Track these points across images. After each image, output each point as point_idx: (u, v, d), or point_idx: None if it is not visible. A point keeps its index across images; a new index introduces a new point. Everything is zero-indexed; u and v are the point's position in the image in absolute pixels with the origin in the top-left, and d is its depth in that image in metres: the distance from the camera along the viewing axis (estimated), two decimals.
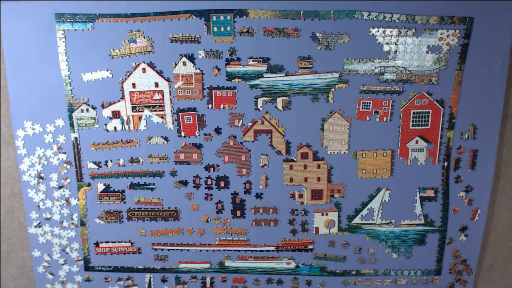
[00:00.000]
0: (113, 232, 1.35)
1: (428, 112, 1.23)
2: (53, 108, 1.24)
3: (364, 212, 1.31)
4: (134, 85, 1.21)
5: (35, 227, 1.34)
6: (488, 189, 1.28)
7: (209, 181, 1.30)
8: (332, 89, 1.20)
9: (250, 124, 1.23)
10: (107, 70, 1.20)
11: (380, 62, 1.19)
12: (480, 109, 1.22)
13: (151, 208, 1.32)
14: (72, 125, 1.25)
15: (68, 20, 1.17)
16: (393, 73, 1.19)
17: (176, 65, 1.20)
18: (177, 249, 1.36)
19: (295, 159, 1.26)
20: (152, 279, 1.39)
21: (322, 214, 1.32)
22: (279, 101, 1.22)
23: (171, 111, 1.23)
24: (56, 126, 1.25)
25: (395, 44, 1.17)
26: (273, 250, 1.36)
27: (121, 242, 1.36)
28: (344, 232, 1.33)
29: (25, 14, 1.16)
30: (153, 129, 1.25)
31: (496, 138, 1.24)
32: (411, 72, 1.19)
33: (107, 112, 1.24)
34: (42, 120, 1.25)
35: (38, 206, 1.32)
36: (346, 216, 1.32)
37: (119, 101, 1.23)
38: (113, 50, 1.19)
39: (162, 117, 1.24)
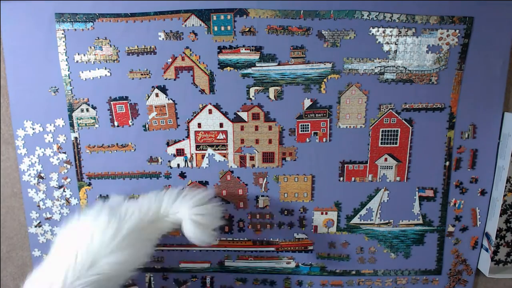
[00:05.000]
0: None
1: (397, 131, 1.23)
2: (53, 108, 1.24)
3: (363, 212, 1.31)
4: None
5: (35, 227, 1.34)
6: (488, 189, 1.28)
7: None
8: (325, 80, 1.20)
9: (170, 60, 1.20)
10: (105, 69, 1.21)
11: (380, 62, 1.19)
12: (480, 109, 1.22)
13: None
14: (72, 125, 1.25)
15: (68, 20, 1.17)
16: (393, 72, 1.19)
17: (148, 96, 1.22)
18: (176, 250, 1.36)
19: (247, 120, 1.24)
20: (152, 278, 1.40)
21: (322, 213, 1.32)
22: (271, 90, 1.22)
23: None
24: (56, 126, 1.26)
25: (395, 44, 1.17)
26: (273, 251, 1.36)
27: None
28: (342, 232, 1.33)
29: (25, 14, 1.16)
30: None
31: (496, 138, 1.24)
32: (411, 72, 1.19)
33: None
34: (42, 120, 1.25)
35: (38, 206, 1.32)
36: (345, 216, 1.32)
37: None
38: (78, 54, 1.19)
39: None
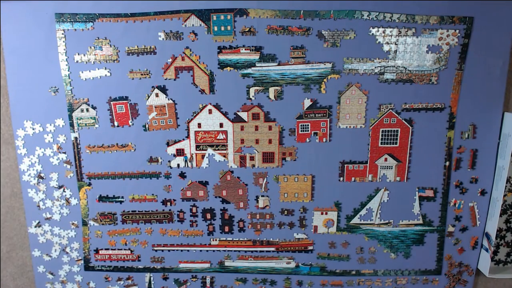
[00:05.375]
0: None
1: (397, 131, 1.23)
2: (53, 108, 1.24)
3: (363, 212, 1.31)
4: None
5: (35, 227, 1.34)
6: (488, 189, 1.28)
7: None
8: (325, 80, 1.20)
9: (170, 60, 1.20)
10: (105, 69, 1.21)
11: (380, 62, 1.19)
12: (480, 109, 1.22)
13: (145, 211, 1.33)
14: (72, 125, 1.25)
15: (68, 20, 1.17)
16: (393, 72, 1.19)
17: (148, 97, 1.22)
18: (177, 250, 1.37)
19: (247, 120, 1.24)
20: (152, 278, 1.40)
21: (322, 213, 1.32)
22: (271, 90, 1.22)
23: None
24: (56, 126, 1.26)
25: (395, 44, 1.17)
26: (273, 251, 1.36)
27: (121, 249, 1.37)
28: (342, 232, 1.33)
29: (25, 14, 1.16)
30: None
31: (496, 138, 1.24)
32: (411, 72, 1.19)
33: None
34: (42, 120, 1.25)
35: (38, 206, 1.32)
36: (345, 216, 1.32)
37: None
38: (78, 54, 1.19)
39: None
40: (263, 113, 1.24)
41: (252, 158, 1.27)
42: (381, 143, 1.25)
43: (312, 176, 1.28)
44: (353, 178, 1.28)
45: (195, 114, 1.24)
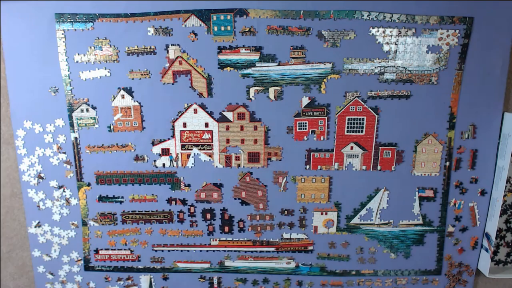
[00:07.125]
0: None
1: (363, 119, 1.23)
2: (53, 108, 1.24)
3: (363, 212, 1.31)
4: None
5: (35, 227, 1.34)
6: (488, 189, 1.28)
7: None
8: (325, 80, 1.20)
9: (168, 65, 1.20)
10: (105, 69, 1.21)
11: (380, 62, 1.19)
12: (480, 109, 1.22)
13: (145, 211, 1.32)
14: (72, 125, 1.25)
15: (68, 20, 1.17)
16: (393, 73, 1.19)
17: (114, 98, 1.22)
18: (177, 250, 1.37)
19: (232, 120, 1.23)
20: (152, 278, 1.40)
21: (322, 214, 1.32)
22: (271, 91, 1.21)
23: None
24: (56, 126, 1.26)
25: (395, 44, 1.17)
26: (273, 251, 1.36)
27: (121, 249, 1.37)
28: (342, 232, 1.33)
29: (25, 14, 1.16)
30: None
31: (496, 138, 1.24)
32: (411, 72, 1.19)
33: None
34: (42, 120, 1.25)
35: (38, 206, 1.32)
36: (345, 216, 1.32)
37: None
38: (78, 54, 1.19)
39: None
40: (248, 113, 1.23)
41: (237, 158, 1.27)
42: (347, 131, 1.24)
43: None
44: (319, 167, 1.27)
45: (180, 114, 1.24)
